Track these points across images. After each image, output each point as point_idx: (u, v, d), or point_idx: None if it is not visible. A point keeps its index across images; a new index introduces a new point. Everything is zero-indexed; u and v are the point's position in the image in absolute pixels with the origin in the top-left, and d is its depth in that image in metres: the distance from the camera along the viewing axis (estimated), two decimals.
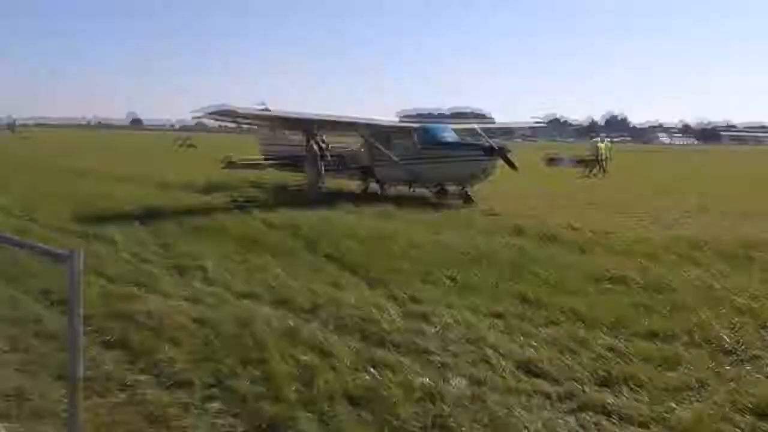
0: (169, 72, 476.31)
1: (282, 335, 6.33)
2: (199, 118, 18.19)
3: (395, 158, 18.34)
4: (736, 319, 7.02)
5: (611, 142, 34.26)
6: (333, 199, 17.50)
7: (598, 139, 33.11)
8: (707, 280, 8.65)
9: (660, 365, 5.81)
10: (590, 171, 31.17)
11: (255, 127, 24.14)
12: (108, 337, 6.34)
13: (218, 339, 6.23)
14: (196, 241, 11.15)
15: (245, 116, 18.14)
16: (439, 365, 5.75)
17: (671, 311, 7.30)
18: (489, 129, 27.42)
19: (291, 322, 6.70)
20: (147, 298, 7.64)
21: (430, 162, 18.10)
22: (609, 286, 8.46)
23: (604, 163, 31.59)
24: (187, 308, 7.24)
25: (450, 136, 19.29)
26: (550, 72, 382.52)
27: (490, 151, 17.74)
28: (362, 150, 19.05)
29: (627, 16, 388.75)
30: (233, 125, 24.84)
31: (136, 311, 7.03)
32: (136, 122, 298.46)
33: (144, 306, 7.21)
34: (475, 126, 23.78)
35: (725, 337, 6.43)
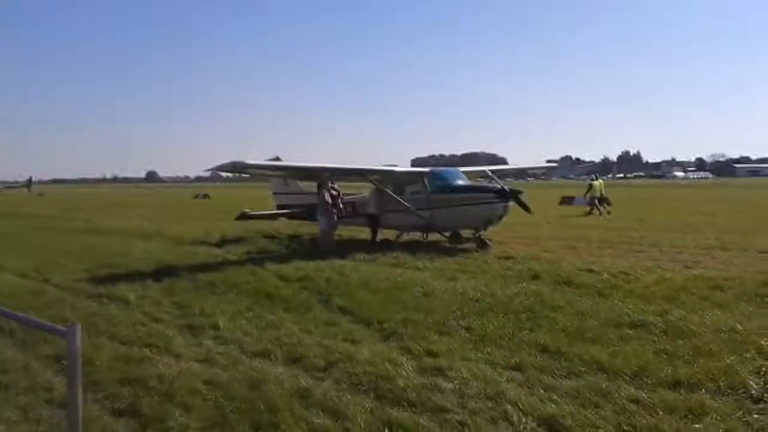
0: (185, 126, 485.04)
1: (294, 396, 6.19)
2: (212, 170, 18.18)
3: (407, 204, 18.29)
4: (762, 363, 6.81)
5: (604, 179, 34.56)
6: (346, 247, 17.45)
7: (594, 176, 32.77)
8: (730, 322, 8.41)
9: (686, 416, 5.62)
10: (591, 210, 30.98)
11: (269, 178, 24.22)
12: (119, 404, 6.24)
13: (230, 402, 6.10)
14: (209, 298, 11.06)
15: (256, 168, 18.21)
16: (457, 424, 5.58)
17: (695, 357, 7.09)
18: (501, 171, 27.52)
19: (303, 382, 6.55)
20: (158, 360, 7.53)
21: (442, 207, 18.02)
22: (630, 332, 8.25)
23: (601, 200, 31.35)
24: (198, 370, 7.13)
25: (461, 179, 19.21)
26: (564, 113, 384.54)
27: (503, 194, 17.63)
28: (373, 197, 18.98)
29: (629, 57, 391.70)
30: (247, 176, 24.98)
31: (148, 375, 6.94)
32: (152, 175, 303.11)
33: (155, 369, 7.11)
34: (486, 169, 23.81)
35: (752, 383, 6.23)
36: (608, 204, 31.46)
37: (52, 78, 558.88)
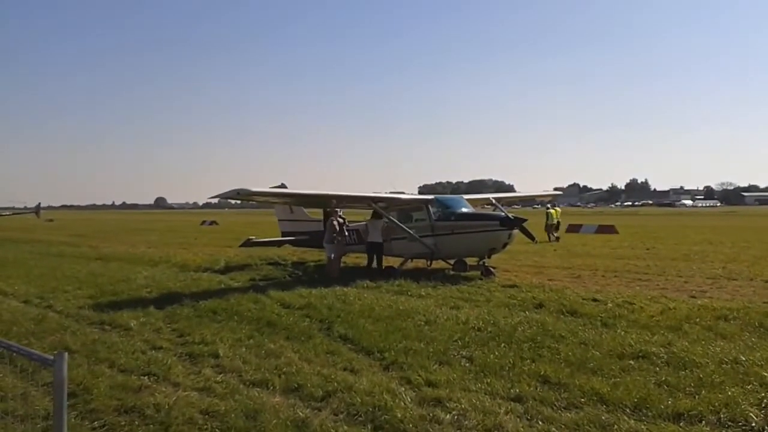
0: (195, 152, 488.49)
1: (291, 427, 6.15)
2: (216, 197, 18.23)
3: (411, 232, 18.29)
4: (764, 394, 6.73)
5: (560, 207, 36.80)
6: (351, 274, 17.43)
7: (549, 206, 34.40)
8: (733, 354, 8.33)
9: None
10: (550, 237, 32.40)
11: (274, 205, 24.30)
12: None
13: None
14: (210, 326, 11.02)
15: (260, 195, 18.28)
16: None
17: (697, 389, 7.01)
18: (506, 198, 27.53)
19: (300, 413, 6.49)
20: (156, 388, 7.49)
21: (446, 235, 18.00)
22: (632, 362, 8.17)
23: (557, 227, 33.55)
24: (196, 399, 7.08)
25: (465, 207, 19.18)
26: (571, 141, 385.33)
27: (507, 222, 17.62)
28: (378, 225, 18.97)
29: (638, 84, 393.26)
30: (254, 203, 25.11)
31: (145, 404, 6.89)
32: (161, 202, 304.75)
33: (153, 398, 7.06)
34: (490, 196, 23.81)
35: (753, 415, 6.16)
36: (556, 230, 33.56)
37: (61, 105, 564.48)
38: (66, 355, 3.64)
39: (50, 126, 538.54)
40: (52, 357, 3.58)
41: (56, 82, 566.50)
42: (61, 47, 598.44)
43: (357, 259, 21.42)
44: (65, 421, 3.59)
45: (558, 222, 33.71)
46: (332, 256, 18.73)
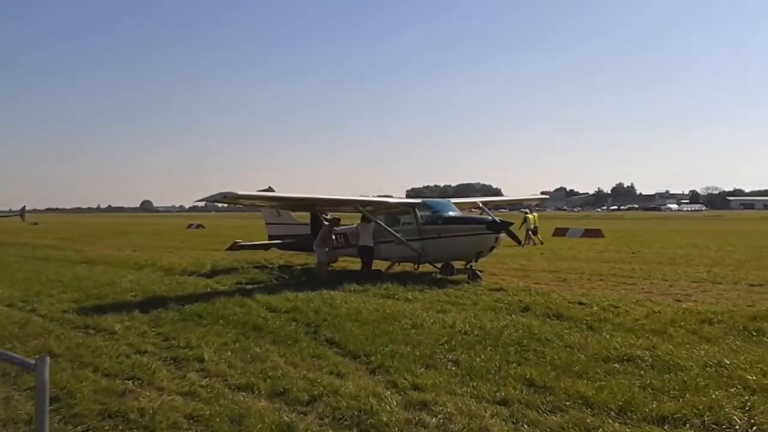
0: (181, 155, 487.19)
1: (276, 431, 6.12)
2: (202, 200, 18.14)
3: (398, 236, 18.29)
4: (748, 397, 6.78)
5: (537, 212, 37.44)
6: (338, 278, 17.41)
7: (527, 210, 34.79)
8: (718, 357, 8.39)
9: None
10: (527, 241, 32.65)
11: (261, 208, 24.25)
12: None
13: None
14: (195, 330, 10.96)
15: (247, 199, 18.22)
16: None
17: (681, 392, 7.05)
18: (494, 202, 27.62)
19: (286, 417, 6.47)
20: (141, 393, 7.44)
21: (433, 238, 18.03)
22: (617, 366, 8.20)
23: (535, 231, 34.17)
24: (180, 403, 7.03)
25: (452, 211, 19.22)
26: (558, 145, 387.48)
27: (494, 226, 17.67)
28: (366, 229, 18.95)
29: (623, 88, 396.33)
30: (241, 206, 25.08)
31: (129, 408, 6.84)
32: (147, 205, 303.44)
33: (137, 402, 7.02)
34: (477, 200, 23.89)
35: (736, 418, 6.20)
36: (534, 234, 34.11)
37: (46, 106, 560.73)
38: (48, 359, 3.61)
39: (36, 129, 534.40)
40: (33, 361, 3.55)
41: (40, 84, 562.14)
42: (48, 49, 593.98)
43: (344, 262, 21.39)
44: (47, 425, 3.55)
45: (535, 227, 34.25)
46: (324, 260, 18.75)
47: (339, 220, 20.04)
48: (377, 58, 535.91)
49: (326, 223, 19.58)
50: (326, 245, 18.91)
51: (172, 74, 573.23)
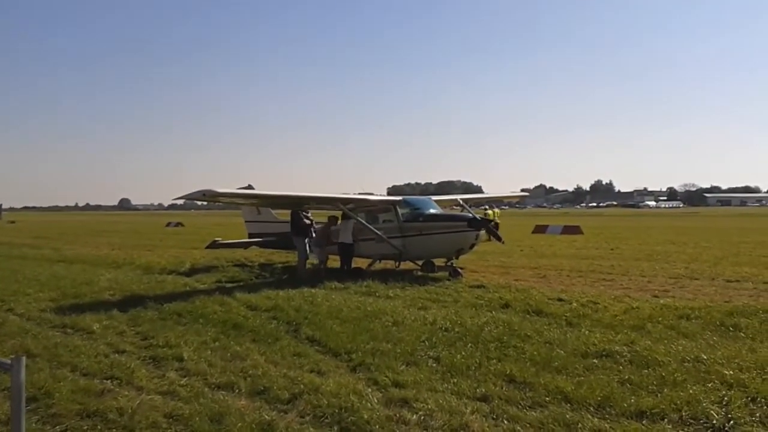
0: (159, 153, 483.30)
1: (256, 430, 6.09)
2: (181, 198, 18.01)
3: (379, 233, 18.29)
4: (725, 392, 6.86)
5: (500, 209, 37.77)
6: (319, 276, 17.37)
7: (486, 207, 34.67)
8: (695, 352, 8.47)
9: None
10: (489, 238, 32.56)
11: (241, 206, 24.15)
12: None
13: None
14: (174, 328, 10.87)
15: (227, 197, 18.12)
16: None
17: (659, 387, 7.11)
18: (474, 199, 27.72)
19: (266, 415, 6.44)
20: (120, 392, 7.37)
21: (414, 236, 18.05)
22: (596, 361, 8.25)
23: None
24: (160, 403, 6.97)
25: (432, 208, 19.27)
26: (537, 142, 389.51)
27: (474, 223, 17.74)
28: (347, 226, 18.92)
29: (601, 86, 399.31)
30: (220, 204, 24.96)
31: (108, 408, 6.77)
32: (125, 203, 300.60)
33: (116, 402, 6.95)
34: (458, 197, 23.96)
35: (714, 413, 6.26)
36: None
37: (23, 104, 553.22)
38: (24, 359, 3.57)
39: (11, 126, 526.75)
40: (9, 361, 3.50)
41: (16, 82, 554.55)
42: (25, 46, 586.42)
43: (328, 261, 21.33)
44: (23, 425, 3.51)
45: (497, 223, 34.13)
46: (302, 256, 18.74)
47: (337, 218, 19.94)
48: (358, 57, 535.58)
49: (307, 222, 19.51)
50: (325, 245, 18.99)
51: (151, 72, 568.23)
